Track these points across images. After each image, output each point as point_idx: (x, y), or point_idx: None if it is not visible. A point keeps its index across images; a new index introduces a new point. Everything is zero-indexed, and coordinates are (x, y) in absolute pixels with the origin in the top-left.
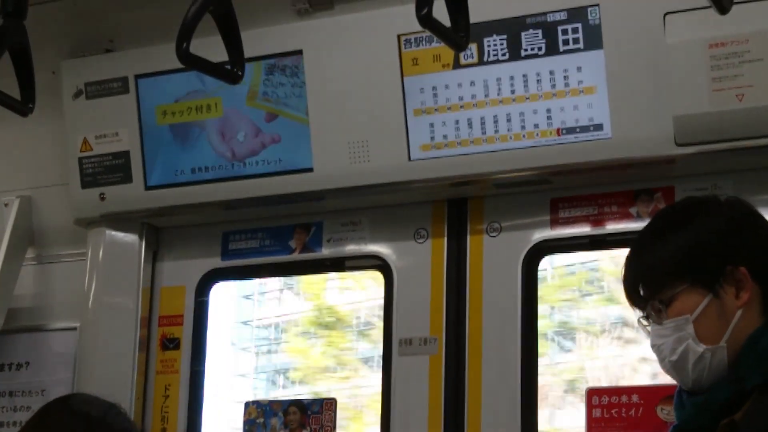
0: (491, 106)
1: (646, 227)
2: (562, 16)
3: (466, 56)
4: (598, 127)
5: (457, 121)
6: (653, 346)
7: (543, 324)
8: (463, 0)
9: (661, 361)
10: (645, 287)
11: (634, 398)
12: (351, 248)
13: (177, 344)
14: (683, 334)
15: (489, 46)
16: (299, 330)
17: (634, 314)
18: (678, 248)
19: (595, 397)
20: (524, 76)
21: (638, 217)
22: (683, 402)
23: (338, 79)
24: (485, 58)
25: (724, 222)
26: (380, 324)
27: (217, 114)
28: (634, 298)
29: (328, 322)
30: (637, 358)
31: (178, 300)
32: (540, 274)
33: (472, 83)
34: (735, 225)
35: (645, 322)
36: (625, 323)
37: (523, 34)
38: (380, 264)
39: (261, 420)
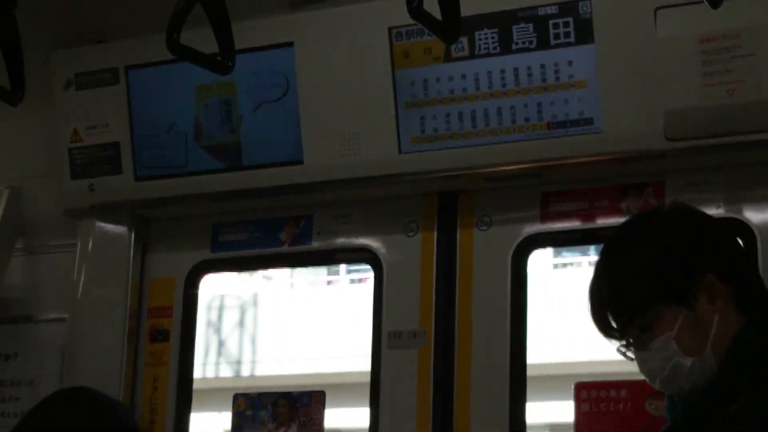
0: (482, 100)
1: (601, 254)
2: (554, 9)
3: (457, 49)
4: (589, 122)
5: (447, 114)
6: (642, 370)
7: None
8: None
9: (652, 381)
10: (617, 319)
11: (623, 393)
12: (341, 241)
13: (166, 336)
14: (668, 352)
15: (480, 39)
16: None
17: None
18: (641, 273)
19: (584, 391)
20: (515, 69)
21: (628, 211)
22: (674, 403)
23: (329, 71)
24: (476, 52)
25: (677, 234)
26: None
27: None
28: (607, 330)
29: None
30: None
31: (168, 292)
32: None
33: (463, 76)
34: (688, 235)
35: (624, 350)
36: None
37: (514, 27)
38: (370, 257)
39: (249, 412)
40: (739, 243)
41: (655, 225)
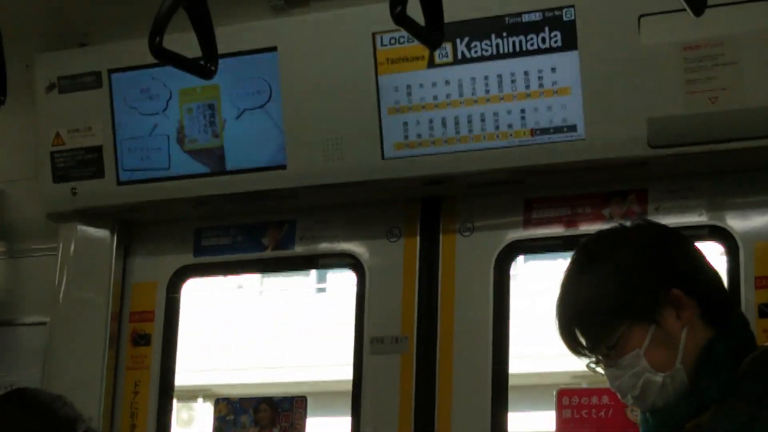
0: (465, 106)
1: (567, 271)
2: (537, 16)
3: (441, 55)
4: (572, 128)
5: (431, 120)
6: (613, 386)
7: None
8: None
9: (623, 397)
10: (586, 337)
11: (605, 399)
12: (324, 246)
13: (148, 340)
14: (638, 369)
15: (464, 45)
16: None
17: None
18: (607, 292)
19: (566, 397)
20: (499, 76)
21: (611, 218)
22: (647, 418)
23: (313, 76)
24: (460, 58)
25: (641, 251)
26: None
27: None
28: (575, 347)
29: None
30: None
31: (150, 296)
32: None
33: (447, 82)
34: (653, 251)
35: (594, 365)
36: None
37: (497, 33)
38: (353, 262)
39: (231, 417)
40: (703, 255)
41: (619, 241)
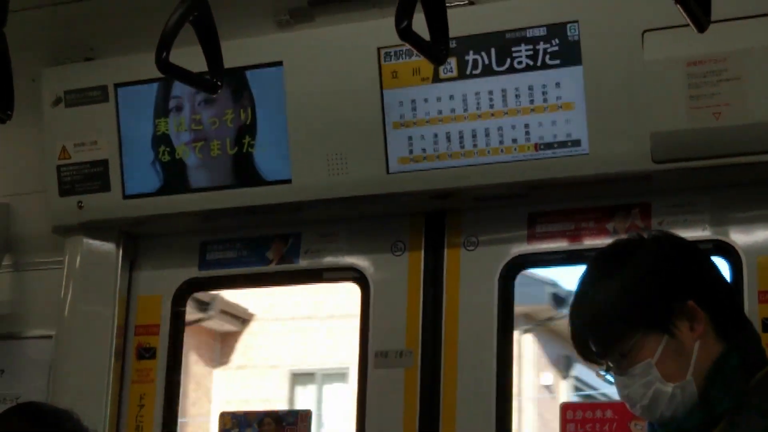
0: (470, 120)
1: (582, 279)
2: (542, 31)
3: (445, 70)
4: (576, 143)
5: (435, 135)
6: (622, 395)
7: None
8: (442, 14)
9: (632, 407)
10: (598, 344)
11: (608, 413)
12: (328, 260)
13: (153, 353)
14: (649, 378)
15: (468, 60)
16: None
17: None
18: (622, 300)
19: (570, 411)
20: (503, 90)
21: (615, 233)
22: (656, 430)
23: (318, 90)
24: (465, 72)
25: (657, 262)
26: None
27: None
28: (587, 354)
29: None
30: None
31: (155, 309)
32: None
33: (452, 97)
34: (669, 262)
35: (604, 372)
36: None
37: (502, 48)
38: (357, 276)
39: (236, 431)
40: (717, 268)
41: (635, 252)
